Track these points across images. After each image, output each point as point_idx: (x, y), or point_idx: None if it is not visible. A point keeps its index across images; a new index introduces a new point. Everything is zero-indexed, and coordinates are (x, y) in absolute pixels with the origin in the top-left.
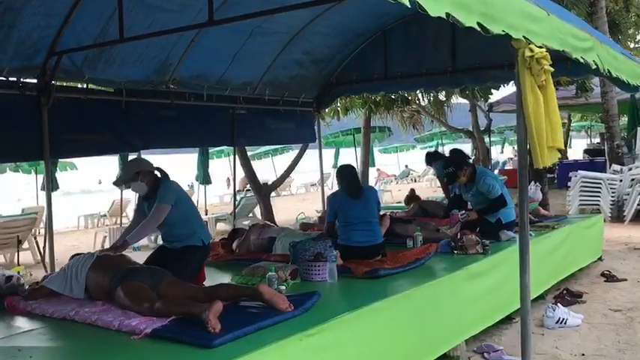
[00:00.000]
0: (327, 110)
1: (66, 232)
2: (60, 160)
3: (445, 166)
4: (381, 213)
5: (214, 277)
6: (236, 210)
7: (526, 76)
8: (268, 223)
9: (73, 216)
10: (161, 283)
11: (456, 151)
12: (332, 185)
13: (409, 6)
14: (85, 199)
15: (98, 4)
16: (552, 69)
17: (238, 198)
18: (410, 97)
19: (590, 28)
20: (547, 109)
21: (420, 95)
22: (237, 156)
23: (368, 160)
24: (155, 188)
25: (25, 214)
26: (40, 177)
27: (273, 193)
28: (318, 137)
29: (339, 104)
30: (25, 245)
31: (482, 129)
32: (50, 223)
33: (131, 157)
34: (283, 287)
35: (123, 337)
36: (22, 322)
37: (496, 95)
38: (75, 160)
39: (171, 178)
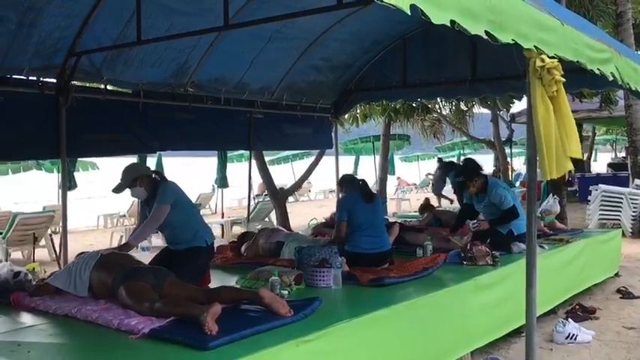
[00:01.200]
0: (345, 117)
1: (85, 231)
2: (81, 159)
3: (456, 175)
4: (392, 221)
5: (220, 280)
6: (252, 214)
7: (537, 86)
8: (278, 227)
9: (93, 215)
10: (164, 284)
11: (469, 160)
12: None
13: (409, 13)
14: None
15: (117, 6)
16: (564, 79)
17: (255, 202)
18: (430, 106)
19: (610, 39)
20: (559, 119)
21: (441, 104)
22: (254, 160)
23: (386, 167)
24: (154, 192)
25: (42, 211)
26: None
27: (291, 199)
28: (335, 144)
29: (358, 111)
30: (43, 242)
31: (504, 140)
32: (65, 221)
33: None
34: (285, 292)
35: (122, 335)
36: (25, 318)
37: (518, 106)
38: (97, 160)
39: (175, 181)
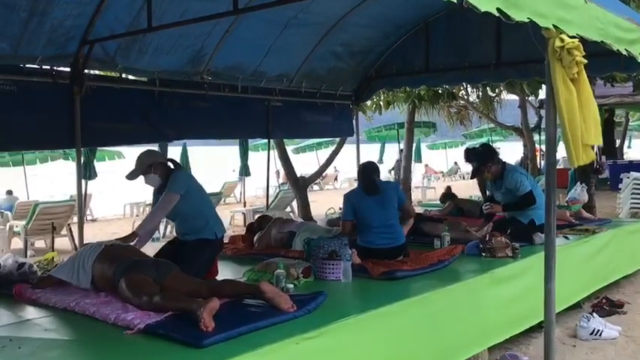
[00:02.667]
0: (368, 104)
1: (111, 220)
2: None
3: (468, 159)
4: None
5: (229, 271)
6: (273, 203)
7: (557, 68)
8: (290, 217)
9: (120, 204)
10: (166, 277)
11: (484, 145)
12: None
13: None
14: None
15: None
16: (585, 60)
17: (276, 191)
18: (456, 92)
19: None
20: (581, 103)
21: (468, 90)
22: (276, 149)
23: (411, 155)
24: (167, 179)
25: (63, 200)
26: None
27: (316, 187)
28: (356, 131)
29: (381, 98)
30: (64, 232)
31: (532, 126)
32: (81, 210)
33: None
34: (291, 286)
35: (118, 331)
36: (23, 311)
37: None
38: (122, 149)
39: (187, 170)
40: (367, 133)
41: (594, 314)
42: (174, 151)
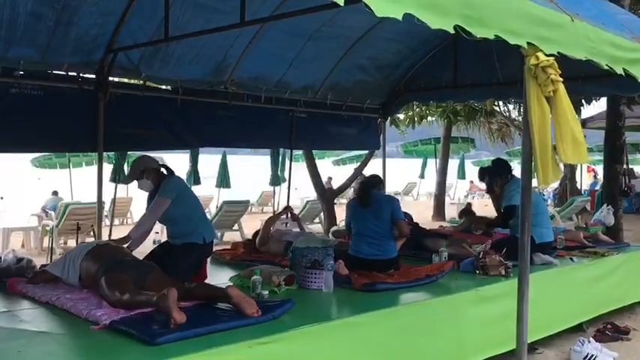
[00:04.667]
0: (401, 117)
1: None
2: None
3: (481, 174)
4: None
5: (220, 276)
6: (301, 214)
7: (532, 86)
8: (289, 227)
9: None
10: (146, 278)
11: (496, 161)
12: (417, 195)
13: (342, 4)
14: None
15: (152, 3)
16: (561, 79)
17: (304, 202)
18: (496, 109)
19: None
20: (557, 122)
21: (510, 107)
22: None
23: (446, 170)
24: (160, 185)
25: (92, 202)
26: (126, 169)
27: (343, 200)
28: (383, 145)
29: (415, 112)
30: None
31: None
32: (100, 212)
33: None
34: (266, 292)
35: (87, 325)
36: (8, 303)
37: (592, 111)
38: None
39: (178, 175)
40: (404, 147)
41: (590, 339)
42: (212, 159)
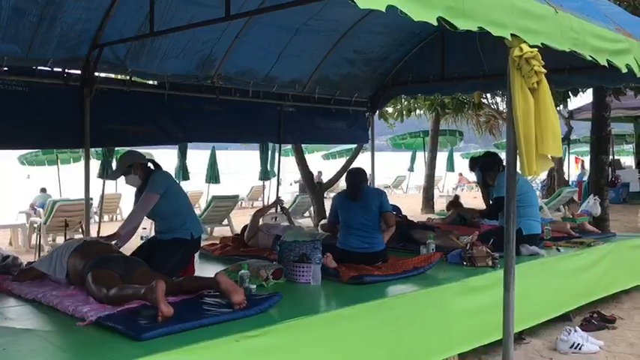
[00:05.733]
0: (390, 111)
1: None
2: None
3: (471, 164)
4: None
5: (208, 271)
6: (291, 208)
7: (516, 77)
8: (278, 221)
9: None
10: (133, 273)
11: (487, 154)
12: (406, 188)
13: None
14: None
15: None
16: (544, 70)
17: (294, 197)
18: (484, 101)
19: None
20: (538, 113)
21: (498, 99)
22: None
23: (434, 163)
24: (147, 180)
25: (79, 199)
26: (114, 165)
27: (332, 194)
28: (371, 138)
29: (403, 105)
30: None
31: (561, 137)
32: (87, 209)
33: (201, 151)
34: (253, 286)
35: (74, 322)
36: None
37: (578, 102)
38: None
39: (166, 170)
40: (392, 140)
41: (577, 328)
42: (200, 155)
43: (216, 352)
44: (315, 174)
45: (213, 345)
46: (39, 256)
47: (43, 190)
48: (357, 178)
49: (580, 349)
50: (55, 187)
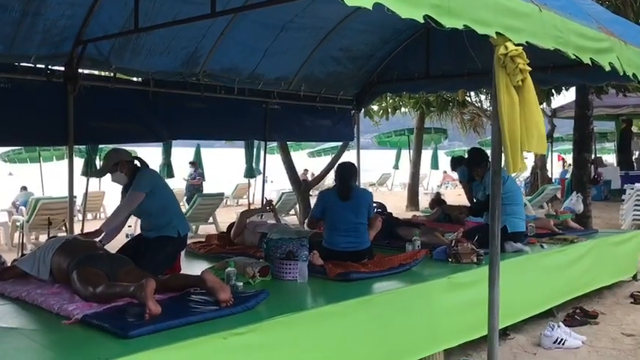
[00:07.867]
0: (375, 109)
1: None
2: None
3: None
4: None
5: (193, 270)
6: (277, 206)
7: (501, 75)
8: (264, 218)
9: None
10: (119, 271)
11: (473, 150)
12: (391, 186)
13: None
14: None
15: None
16: (529, 68)
17: (279, 194)
18: (468, 99)
19: (624, 27)
20: (523, 111)
21: (480, 97)
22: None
23: (419, 161)
24: (134, 178)
25: (63, 196)
26: (98, 163)
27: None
28: (357, 136)
29: (388, 103)
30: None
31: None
32: (71, 207)
33: (187, 148)
34: (240, 284)
35: (59, 320)
36: None
37: (562, 100)
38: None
39: (151, 167)
40: (377, 138)
41: (560, 323)
42: (186, 152)
43: (203, 350)
44: (301, 172)
45: (200, 342)
46: (22, 254)
47: (24, 188)
48: (347, 173)
49: (563, 344)
50: (37, 184)
